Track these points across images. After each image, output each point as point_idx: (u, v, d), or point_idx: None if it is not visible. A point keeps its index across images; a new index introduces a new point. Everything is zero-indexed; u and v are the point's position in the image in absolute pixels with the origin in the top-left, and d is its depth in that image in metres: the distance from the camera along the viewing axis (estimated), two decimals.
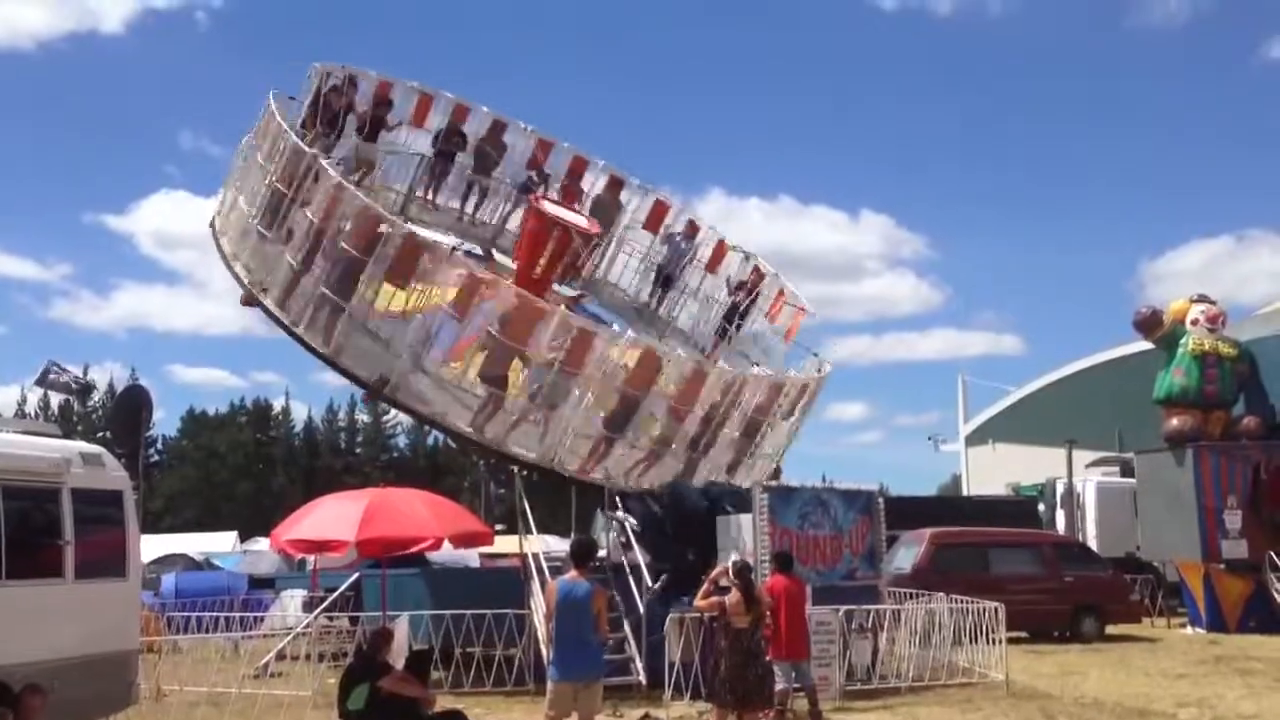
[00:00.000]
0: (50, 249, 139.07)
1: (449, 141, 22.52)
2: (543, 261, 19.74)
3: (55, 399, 67.97)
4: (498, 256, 22.21)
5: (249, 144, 19.86)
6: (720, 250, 23.25)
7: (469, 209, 23.07)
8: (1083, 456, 34.11)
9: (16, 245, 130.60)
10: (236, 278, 19.24)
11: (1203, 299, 25.94)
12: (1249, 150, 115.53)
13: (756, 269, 22.98)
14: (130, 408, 22.09)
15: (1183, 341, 25.17)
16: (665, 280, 23.40)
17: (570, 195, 22.63)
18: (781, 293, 22.76)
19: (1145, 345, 27.64)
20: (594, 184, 23.27)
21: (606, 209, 22.84)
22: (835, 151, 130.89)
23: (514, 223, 22.67)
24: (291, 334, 17.67)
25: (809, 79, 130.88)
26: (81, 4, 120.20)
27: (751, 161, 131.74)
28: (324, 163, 17.59)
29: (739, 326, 22.62)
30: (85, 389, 58.00)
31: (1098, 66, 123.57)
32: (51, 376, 24.05)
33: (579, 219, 20.90)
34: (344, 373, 17.75)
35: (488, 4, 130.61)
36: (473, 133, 22.65)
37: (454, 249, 18.58)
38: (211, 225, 20.67)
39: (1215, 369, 24.97)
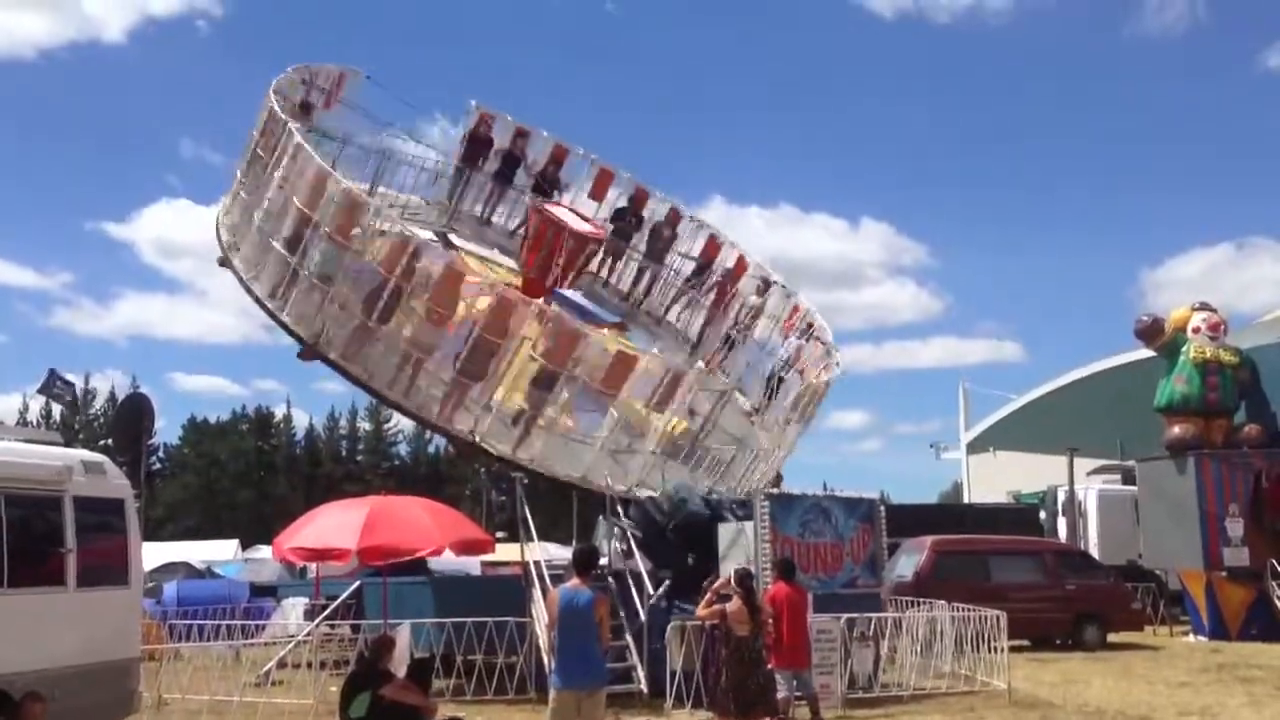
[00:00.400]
0: (51, 257, 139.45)
1: (626, 220, 23.50)
2: (557, 262, 19.95)
3: (57, 407, 67.98)
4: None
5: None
6: (816, 349, 22.90)
7: (639, 291, 24.13)
8: (1084, 464, 34.09)
9: (17, 253, 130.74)
10: (217, 236, 20.30)
11: (1204, 307, 25.92)
12: (1248, 157, 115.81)
13: (829, 365, 22.55)
14: (132, 416, 22.02)
15: (1184, 349, 25.15)
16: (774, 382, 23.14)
17: (723, 294, 23.68)
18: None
19: (1147, 353, 27.62)
20: (750, 287, 23.90)
21: (755, 311, 23.60)
22: (835, 159, 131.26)
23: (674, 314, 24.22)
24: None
25: (809, 86, 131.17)
26: (83, 13, 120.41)
27: (752, 169, 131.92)
28: (293, 127, 18.32)
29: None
30: (84, 403, 57.96)
31: (1097, 74, 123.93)
32: (56, 391, 24.18)
33: (583, 224, 20.96)
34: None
35: (486, 12, 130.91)
36: (650, 216, 23.72)
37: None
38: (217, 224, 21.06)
39: (1217, 377, 24.94)
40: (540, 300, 18.51)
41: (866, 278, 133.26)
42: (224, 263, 19.58)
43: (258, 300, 18.67)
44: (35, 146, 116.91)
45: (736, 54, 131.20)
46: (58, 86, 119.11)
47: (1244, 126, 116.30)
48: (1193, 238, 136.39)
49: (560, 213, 21.00)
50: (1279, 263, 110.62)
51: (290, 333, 18.02)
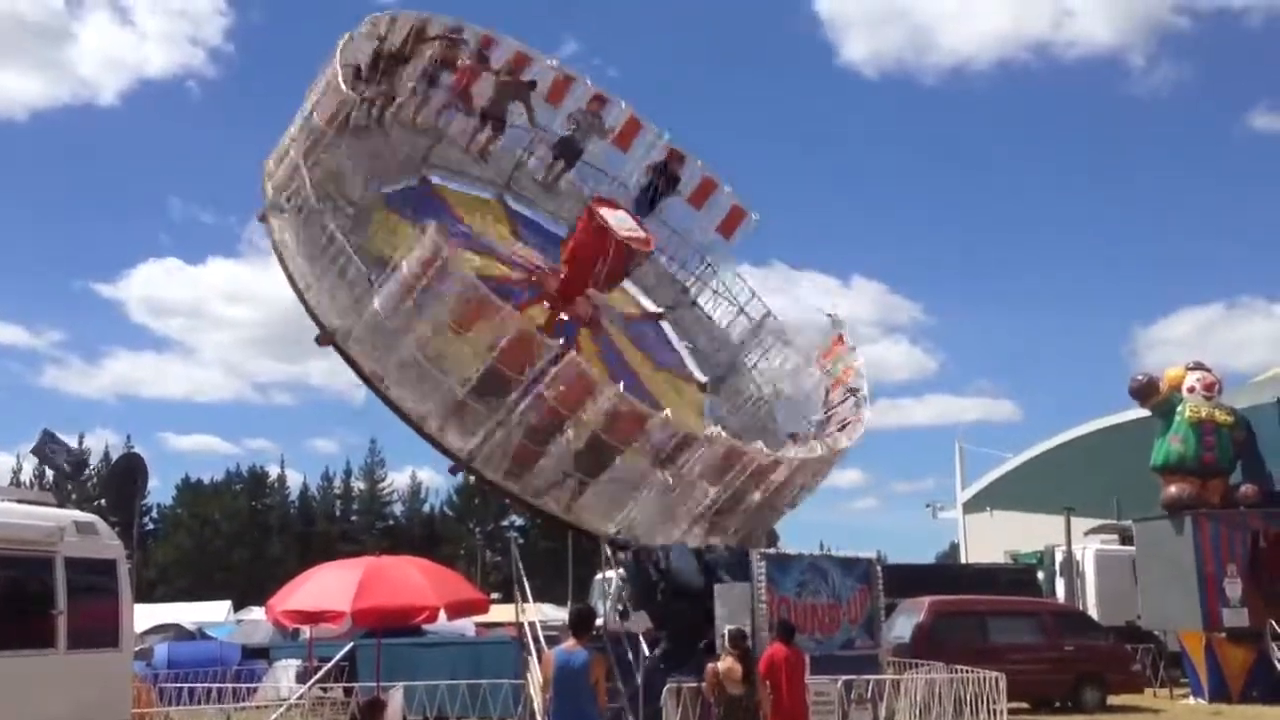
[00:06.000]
0: (41, 316, 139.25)
1: None
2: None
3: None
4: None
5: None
6: (848, 403, 22.45)
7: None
8: (1081, 524, 33.94)
9: (7, 312, 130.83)
10: (263, 191, 19.75)
11: (1198, 366, 26.00)
12: (1237, 217, 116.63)
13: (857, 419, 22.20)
14: (125, 475, 21.96)
15: (1179, 409, 25.17)
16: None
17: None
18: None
19: (1142, 412, 27.62)
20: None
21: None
22: (826, 217, 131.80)
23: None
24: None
25: (797, 144, 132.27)
26: (77, 75, 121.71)
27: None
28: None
29: None
30: (78, 464, 56.78)
31: (1086, 133, 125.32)
32: (49, 453, 24.05)
33: (634, 231, 20.67)
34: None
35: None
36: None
37: None
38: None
39: (1213, 436, 24.94)
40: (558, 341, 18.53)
41: (859, 336, 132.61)
42: (263, 219, 18.97)
43: (287, 272, 18.13)
44: (26, 206, 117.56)
45: (722, 111, 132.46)
46: (49, 147, 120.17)
47: (1233, 186, 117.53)
48: (1183, 297, 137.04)
49: (611, 215, 20.69)
50: (1270, 321, 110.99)
51: (312, 315, 17.47)
